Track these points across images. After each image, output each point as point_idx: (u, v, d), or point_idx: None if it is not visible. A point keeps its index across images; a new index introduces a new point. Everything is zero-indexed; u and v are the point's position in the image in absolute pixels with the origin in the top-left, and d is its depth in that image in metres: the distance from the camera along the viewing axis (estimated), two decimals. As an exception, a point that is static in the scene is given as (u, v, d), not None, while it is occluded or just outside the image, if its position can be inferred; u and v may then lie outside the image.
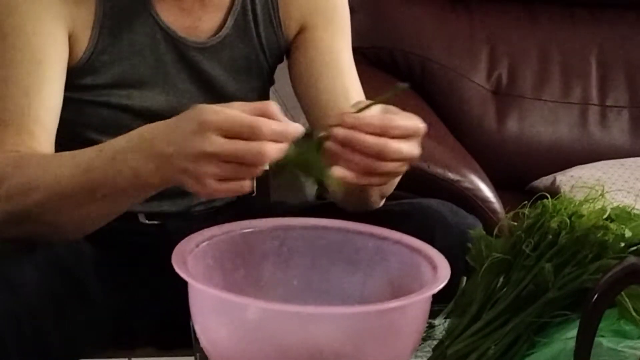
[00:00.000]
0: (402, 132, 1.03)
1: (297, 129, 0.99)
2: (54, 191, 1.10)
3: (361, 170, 1.02)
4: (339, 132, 1.01)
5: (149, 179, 1.03)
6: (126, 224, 1.31)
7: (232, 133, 0.96)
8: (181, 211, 1.35)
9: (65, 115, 1.23)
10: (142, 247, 1.31)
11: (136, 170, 1.03)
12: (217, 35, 1.30)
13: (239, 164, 0.97)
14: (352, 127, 1.01)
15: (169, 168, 1.01)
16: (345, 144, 1.01)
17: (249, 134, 0.96)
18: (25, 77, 1.19)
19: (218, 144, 0.96)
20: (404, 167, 1.07)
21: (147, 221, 1.34)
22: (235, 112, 0.97)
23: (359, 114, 1.03)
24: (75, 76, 1.24)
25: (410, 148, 1.05)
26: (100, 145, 1.09)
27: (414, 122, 1.05)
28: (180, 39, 1.27)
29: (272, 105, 0.99)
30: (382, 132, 1.01)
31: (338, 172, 1.02)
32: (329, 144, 1.03)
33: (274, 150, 0.96)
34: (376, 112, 1.05)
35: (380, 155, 1.02)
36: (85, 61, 1.24)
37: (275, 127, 0.96)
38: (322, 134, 1.04)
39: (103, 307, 1.23)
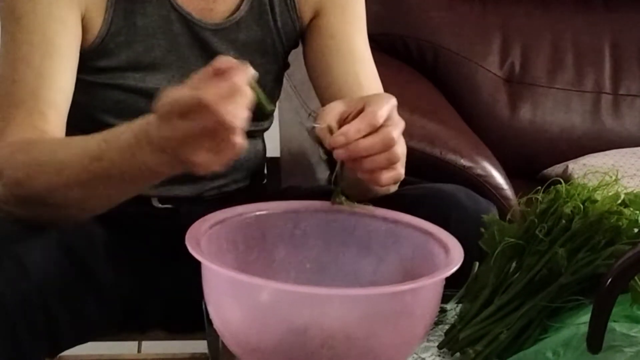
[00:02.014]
0: (385, 118, 1.03)
1: (245, 74, 0.94)
2: (62, 175, 1.09)
3: (379, 166, 1.03)
4: (340, 154, 1.02)
5: (158, 169, 1.02)
6: (139, 207, 1.32)
7: (187, 112, 0.92)
8: (193, 196, 1.35)
9: (79, 97, 1.23)
10: (155, 231, 1.31)
11: (145, 164, 1.01)
12: (231, 17, 1.29)
13: (214, 136, 0.93)
14: (345, 145, 1.01)
15: (171, 158, 0.98)
16: (355, 157, 1.02)
17: (201, 108, 0.91)
18: (38, 60, 1.19)
19: (180, 128, 0.93)
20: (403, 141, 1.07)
21: (160, 205, 1.35)
22: (179, 92, 0.93)
23: (343, 129, 1.02)
24: (89, 58, 1.24)
25: (398, 125, 1.05)
26: (105, 133, 1.07)
27: (387, 102, 1.05)
28: (195, 20, 1.27)
29: (218, 62, 0.94)
30: (372, 129, 1.02)
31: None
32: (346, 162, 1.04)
33: (233, 113, 0.91)
34: (339, 107, 1.05)
35: (389, 145, 1.02)
36: (99, 43, 1.24)
37: (220, 91, 0.92)
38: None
39: (114, 290, 1.23)
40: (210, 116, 0.91)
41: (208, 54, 1.29)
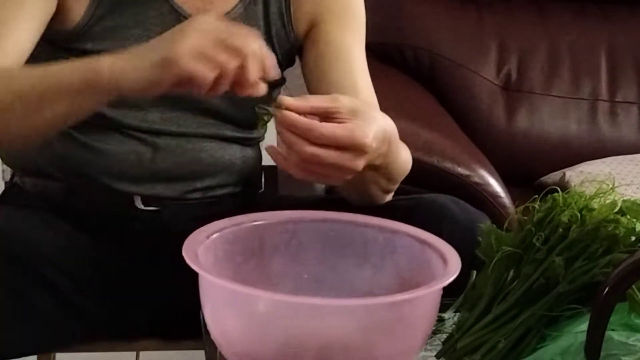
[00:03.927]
0: (327, 141, 1.02)
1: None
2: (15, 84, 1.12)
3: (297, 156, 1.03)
4: (288, 100, 1.03)
5: (98, 67, 1.07)
6: (123, 210, 1.32)
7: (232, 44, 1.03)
8: (177, 197, 1.34)
9: None
10: (139, 235, 1.31)
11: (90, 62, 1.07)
12: (224, 17, 1.30)
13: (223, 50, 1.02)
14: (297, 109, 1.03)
15: (132, 54, 1.07)
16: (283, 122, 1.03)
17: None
18: (3, 15, 1.20)
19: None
20: (346, 176, 1.06)
21: (143, 206, 1.34)
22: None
23: (297, 104, 1.03)
24: (74, 40, 1.25)
25: (341, 157, 1.04)
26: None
27: (349, 134, 1.03)
28: (187, 16, 1.27)
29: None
30: (304, 135, 1.02)
31: (269, 148, 1.05)
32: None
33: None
34: (345, 106, 1.05)
35: (307, 133, 1.02)
36: (84, 25, 1.24)
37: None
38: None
39: (95, 296, 1.24)
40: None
41: None
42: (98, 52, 1.25)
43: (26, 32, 1.21)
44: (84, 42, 1.26)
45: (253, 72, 1.03)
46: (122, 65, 1.06)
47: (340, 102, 1.05)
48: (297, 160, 1.03)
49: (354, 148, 1.04)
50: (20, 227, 1.23)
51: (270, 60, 1.04)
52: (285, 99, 1.03)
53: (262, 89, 1.05)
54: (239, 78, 1.03)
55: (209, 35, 1.02)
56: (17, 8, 1.20)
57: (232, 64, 1.02)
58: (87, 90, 1.09)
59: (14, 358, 1.23)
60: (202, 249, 0.96)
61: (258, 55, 1.03)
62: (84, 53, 1.25)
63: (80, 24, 1.24)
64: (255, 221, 1.05)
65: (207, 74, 1.02)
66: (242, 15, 1.31)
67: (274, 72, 1.04)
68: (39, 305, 1.20)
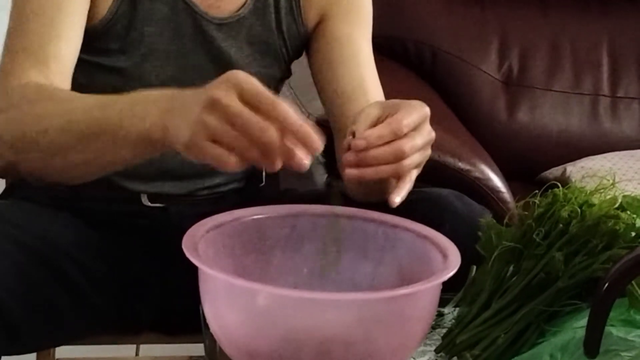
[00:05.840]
0: (411, 128, 1.04)
1: (315, 141, 0.91)
2: (63, 120, 1.06)
3: (386, 174, 1.04)
4: (350, 157, 1.03)
5: (152, 130, 0.98)
6: (129, 206, 1.32)
7: (250, 99, 0.90)
8: (184, 194, 1.35)
9: (81, 79, 1.22)
10: (145, 231, 1.31)
11: (143, 120, 0.98)
12: (236, 14, 1.30)
13: (241, 134, 0.90)
14: (364, 149, 1.03)
15: (175, 116, 0.95)
16: (362, 165, 1.03)
17: (265, 110, 0.90)
18: (49, 13, 1.18)
19: (232, 98, 0.90)
20: (428, 151, 1.09)
21: (149, 203, 1.34)
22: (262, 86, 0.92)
23: (366, 133, 1.03)
24: (95, 38, 1.24)
25: (424, 135, 1.06)
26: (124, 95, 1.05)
27: (418, 111, 1.06)
28: (200, 12, 1.28)
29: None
30: (395, 138, 1.03)
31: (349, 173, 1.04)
32: (347, 171, 1.04)
33: (278, 142, 0.89)
34: (375, 112, 1.06)
35: (399, 157, 1.03)
36: (107, 21, 1.24)
37: (291, 118, 0.89)
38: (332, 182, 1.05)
39: (102, 291, 1.24)
40: (263, 123, 0.89)
41: (209, 47, 1.29)
42: (119, 51, 1.26)
43: (74, 33, 1.20)
44: (105, 40, 1.25)
45: (276, 142, 0.90)
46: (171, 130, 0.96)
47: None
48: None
49: (425, 120, 1.07)
50: (35, 220, 1.22)
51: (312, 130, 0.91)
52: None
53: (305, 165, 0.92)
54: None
55: (227, 109, 0.90)
56: (62, 12, 1.19)
57: (248, 150, 0.90)
58: (133, 143, 1.01)
59: (30, 352, 1.23)
60: (202, 242, 0.96)
61: (290, 124, 0.90)
62: (105, 52, 1.25)
63: (104, 20, 1.24)
64: (256, 215, 1.05)
65: (227, 158, 0.91)
66: (253, 10, 1.31)
67: (319, 145, 0.91)
68: (56, 299, 1.19)
